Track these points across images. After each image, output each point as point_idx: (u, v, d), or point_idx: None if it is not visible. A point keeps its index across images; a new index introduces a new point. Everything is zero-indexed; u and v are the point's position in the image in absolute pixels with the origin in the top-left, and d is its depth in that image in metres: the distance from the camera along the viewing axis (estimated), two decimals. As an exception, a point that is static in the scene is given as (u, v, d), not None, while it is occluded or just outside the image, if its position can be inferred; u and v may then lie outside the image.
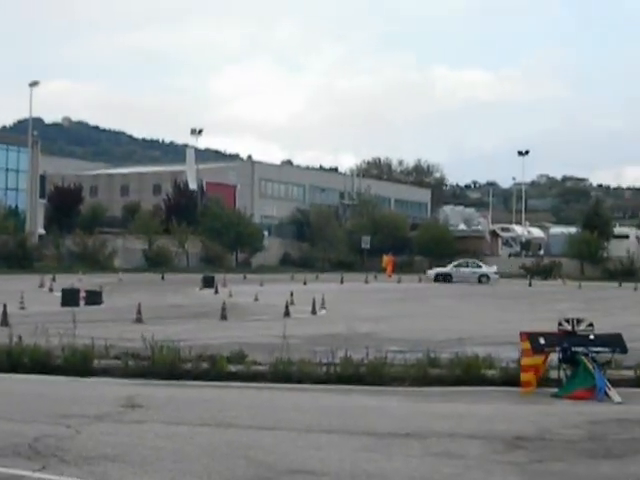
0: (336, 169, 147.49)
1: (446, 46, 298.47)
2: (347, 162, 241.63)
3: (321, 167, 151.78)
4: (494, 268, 62.87)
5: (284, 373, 12.80)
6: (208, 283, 45.86)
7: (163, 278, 56.81)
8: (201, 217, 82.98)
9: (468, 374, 12.84)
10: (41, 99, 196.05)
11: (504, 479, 7.20)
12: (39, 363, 13.41)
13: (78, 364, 13.20)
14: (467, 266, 62.16)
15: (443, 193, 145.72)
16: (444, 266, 65.13)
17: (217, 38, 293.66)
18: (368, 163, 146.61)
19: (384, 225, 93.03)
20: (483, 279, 59.42)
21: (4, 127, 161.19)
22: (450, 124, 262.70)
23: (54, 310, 27.63)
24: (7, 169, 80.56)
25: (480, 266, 62.52)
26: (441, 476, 7.24)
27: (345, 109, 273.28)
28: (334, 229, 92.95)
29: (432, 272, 62.11)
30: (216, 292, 40.79)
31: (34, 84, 72.70)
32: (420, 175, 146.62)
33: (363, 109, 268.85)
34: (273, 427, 9.22)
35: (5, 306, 22.32)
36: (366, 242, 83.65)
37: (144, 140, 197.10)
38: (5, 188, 79.49)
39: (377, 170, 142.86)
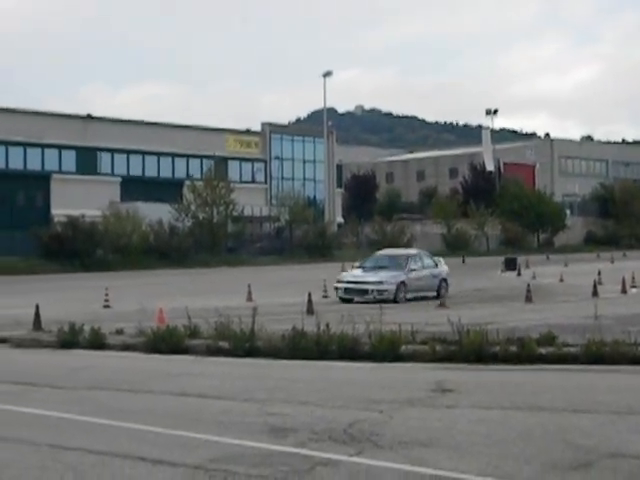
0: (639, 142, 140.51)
1: None
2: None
3: (623, 140, 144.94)
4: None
5: (597, 354, 12.37)
6: (510, 265, 45.44)
7: (464, 262, 56.98)
8: (499, 198, 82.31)
9: None
10: (334, 89, 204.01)
11: None
12: (347, 350, 13.85)
13: (385, 350, 13.48)
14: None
15: None
16: None
17: (507, 15, 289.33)
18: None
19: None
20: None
21: (299, 119, 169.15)
22: None
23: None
24: (304, 160, 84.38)
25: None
26: None
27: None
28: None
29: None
30: (519, 274, 40.31)
31: (327, 74, 75.52)
32: None
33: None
34: (589, 410, 8.92)
35: (310, 295, 23.40)
36: (677, 216, 79.61)
37: (437, 124, 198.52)
38: (303, 179, 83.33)
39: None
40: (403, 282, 28.29)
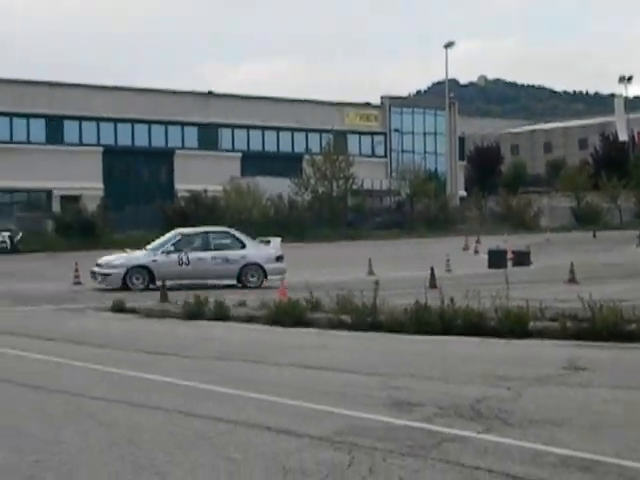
0: None
1: None
2: None
3: None
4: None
5: None
6: (646, 240, 44.13)
7: (594, 236, 55.65)
8: (634, 169, 79.81)
9: None
10: (455, 60, 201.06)
11: None
12: (472, 325, 13.68)
13: (512, 326, 13.27)
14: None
15: None
16: None
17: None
18: None
19: None
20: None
21: (419, 91, 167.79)
22: None
23: (481, 272, 28.29)
24: (425, 133, 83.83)
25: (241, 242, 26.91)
26: None
27: None
28: None
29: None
30: (656, 248, 39.19)
31: (449, 45, 74.60)
32: None
33: None
34: None
35: (433, 269, 23.26)
36: None
37: (566, 93, 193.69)
38: (424, 152, 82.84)
39: None
40: (143, 266, 25.01)
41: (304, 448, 6.74)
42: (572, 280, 23.28)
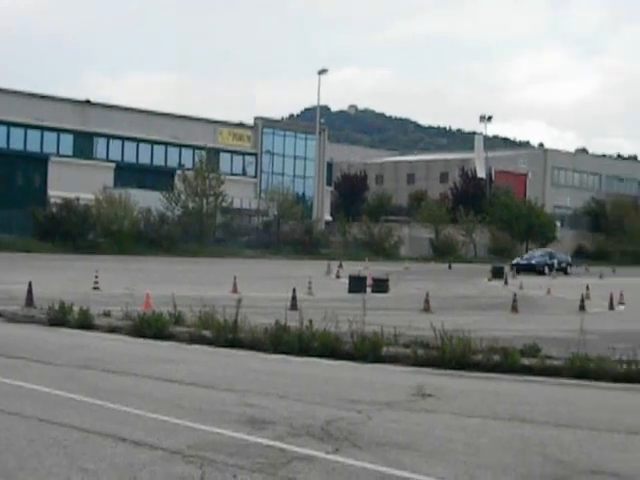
0: (635, 157, 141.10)
1: None
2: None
3: (619, 156, 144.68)
4: None
5: (581, 369, 12.33)
6: (497, 274, 45.63)
7: (450, 267, 57.14)
8: (489, 206, 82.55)
9: None
10: (329, 88, 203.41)
11: None
12: (328, 348, 13.87)
13: (367, 350, 13.52)
14: None
15: None
16: None
17: (508, 22, 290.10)
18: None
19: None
20: None
21: (292, 115, 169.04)
22: None
23: (341, 296, 28.63)
24: (295, 156, 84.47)
25: None
26: None
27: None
28: (633, 220, 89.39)
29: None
30: (505, 283, 40.42)
31: (322, 72, 75.60)
32: None
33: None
34: (571, 424, 8.88)
35: (294, 291, 23.43)
36: (670, 234, 79.75)
37: (431, 127, 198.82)
38: (293, 175, 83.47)
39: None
40: None
41: (157, 461, 6.71)
42: (427, 309, 23.85)
